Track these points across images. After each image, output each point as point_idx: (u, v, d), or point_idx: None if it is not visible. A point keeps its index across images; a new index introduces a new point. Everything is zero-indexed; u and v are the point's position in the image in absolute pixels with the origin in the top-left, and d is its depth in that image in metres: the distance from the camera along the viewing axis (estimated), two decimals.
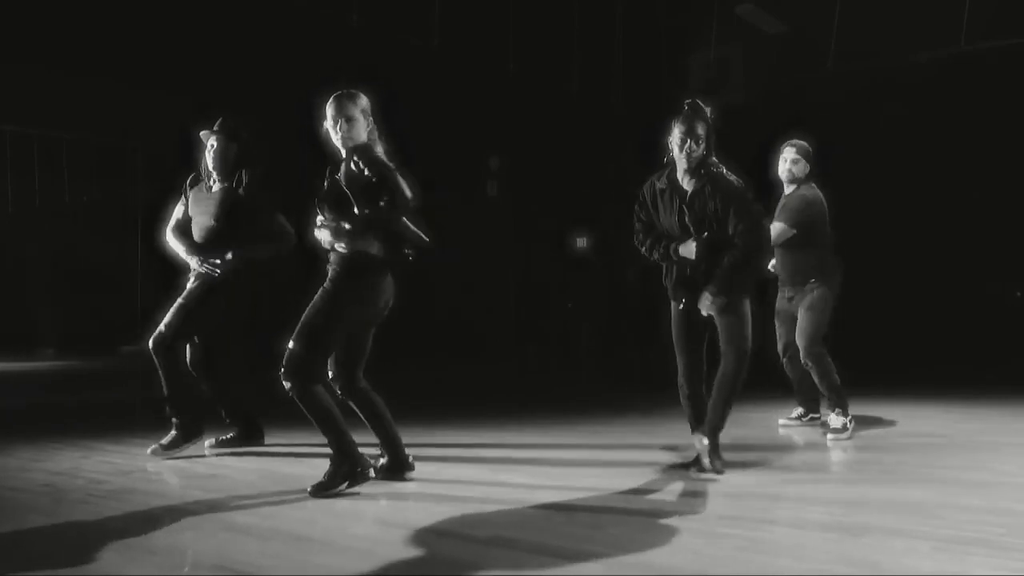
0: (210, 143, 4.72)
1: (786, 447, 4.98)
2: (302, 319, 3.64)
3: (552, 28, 11.89)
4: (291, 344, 3.62)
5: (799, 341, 5.15)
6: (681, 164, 4.02)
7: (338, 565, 2.70)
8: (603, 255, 13.86)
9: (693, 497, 3.57)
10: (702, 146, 3.97)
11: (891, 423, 5.65)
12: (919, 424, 5.67)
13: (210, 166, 4.72)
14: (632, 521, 3.24)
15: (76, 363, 14.91)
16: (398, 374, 9.43)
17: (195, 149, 4.85)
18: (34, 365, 14.47)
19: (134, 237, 15.64)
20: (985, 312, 10.79)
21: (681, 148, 3.98)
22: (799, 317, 5.19)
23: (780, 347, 5.48)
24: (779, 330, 5.45)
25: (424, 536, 3.00)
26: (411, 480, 3.89)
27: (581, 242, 13.84)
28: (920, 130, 10.67)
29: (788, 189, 5.30)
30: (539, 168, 13.09)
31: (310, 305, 3.67)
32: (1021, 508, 3.30)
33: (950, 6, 9.77)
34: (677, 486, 3.81)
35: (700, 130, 3.97)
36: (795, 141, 5.32)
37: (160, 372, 4.60)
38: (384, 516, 3.30)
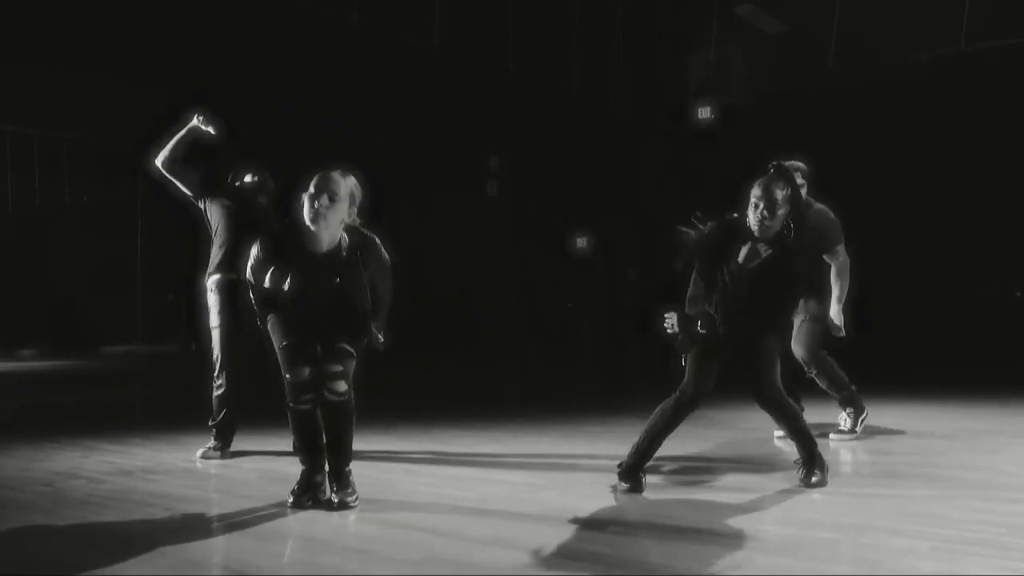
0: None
1: (785, 448, 4.97)
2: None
3: (552, 28, 11.89)
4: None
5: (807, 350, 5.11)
6: (755, 230, 3.68)
7: (338, 565, 2.70)
8: (603, 255, 13.86)
9: (693, 497, 3.57)
10: (778, 215, 3.62)
11: (891, 423, 5.64)
12: (919, 424, 5.67)
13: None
14: (632, 521, 3.24)
15: (74, 363, 14.92)
16: (398, 374, 9.44)
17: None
18: (32, 365, 14.47)
19: (134, 237, 15.67)
20: (985, 312, 10.78)
21: (754, 212, 3.65)
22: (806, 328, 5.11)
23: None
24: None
25: (424, 536, 3.00)
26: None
27: (581, 242, 13.84)
28: (920, 130, 10.67)
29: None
30: (539, 168, 13.10)
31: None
32: (1021, 508, 3.30)
33: (950, 6, 9.76)
34: (677, 486, 3.81)
35: (778, 195, 3.63)
36: (798, 164, 5.16)
37: None
38: (384, 516, 3.30)
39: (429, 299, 12.85)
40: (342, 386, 3.49)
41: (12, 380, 11.71)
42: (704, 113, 11.77)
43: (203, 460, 4.63)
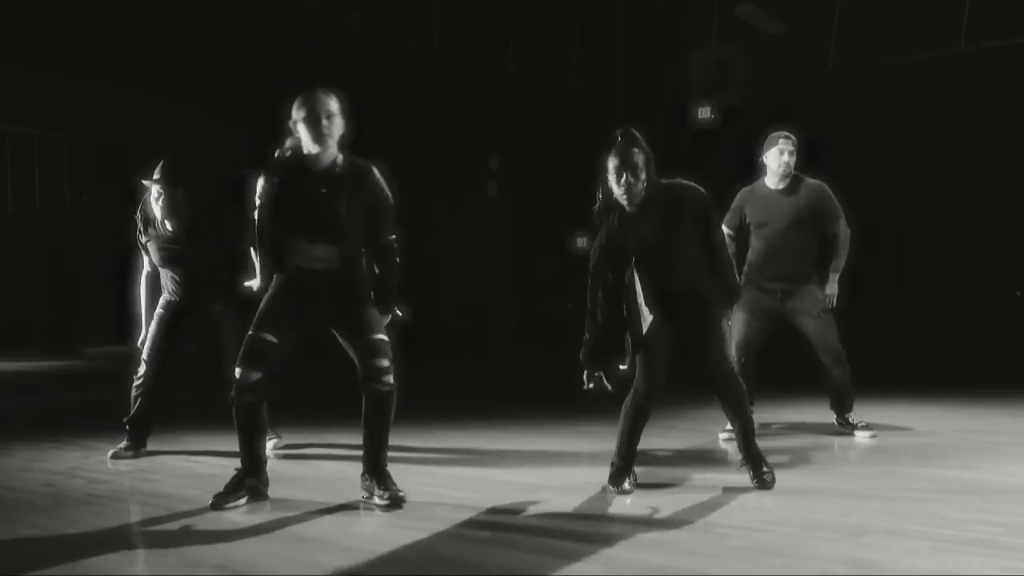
0: (155, 191, 4.71)
1: (784, 448, 4.97)
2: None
3: (552, 28, 11.89)
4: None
5: (835, 346, 5.10)
6: (623, 201, 3.65)
7: (338, 565, 2.70)
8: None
9: (693, 497, 3.57)
10: (642, 178, 3.59)
11: (891, 423, 5.64)
12: (919, 424, 5.67)
13: (158, 215, 4.76)
14: (632, 521, 3.24)
15: (74, 363, 14.91)
16: (398, 374, 9.44)
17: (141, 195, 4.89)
18: (32, 365, 14.46)
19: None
20: (985, 312, 10.78)
21: (619, 183, 3.60)
22: (818, 322, 5.06)
23: (746, 345, 5.16)
24: (755, 328, 5.15)
25: (424, 536, 3.00)
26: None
27: (581, 242, 13.84)
28: (920, 130, 10.67)
29: (783, 183, 5.13)
30: (539, 168, 13.10)
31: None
32: (1021, 508, 3.30)
33: (950, 6, 9.76)
34: (676, 486, 3.81)
35: (638, 159, 3.59)
36: (787, 133, 5.19)
37: None
38: (384, 516, 3.30)
39: (429, 299, 12.86)
40: (389, 380, 3.49)
41: (12, 380, 11.71)
42: (704, 113, 11.76)
43: (114, 461, 4.61)
